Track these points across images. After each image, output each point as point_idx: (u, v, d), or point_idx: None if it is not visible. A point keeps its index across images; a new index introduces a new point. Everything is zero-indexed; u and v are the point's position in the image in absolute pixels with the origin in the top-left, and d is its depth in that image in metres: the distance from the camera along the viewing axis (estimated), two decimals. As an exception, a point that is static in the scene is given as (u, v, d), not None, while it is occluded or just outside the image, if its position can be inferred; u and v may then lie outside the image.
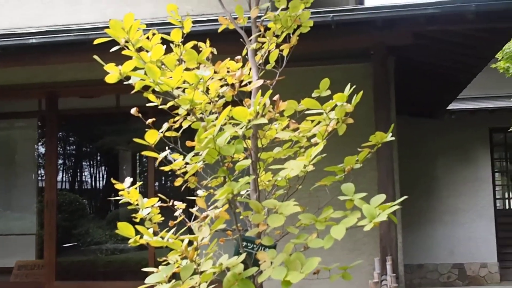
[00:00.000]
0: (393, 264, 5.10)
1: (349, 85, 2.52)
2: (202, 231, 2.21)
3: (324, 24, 4.25)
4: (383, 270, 5.04)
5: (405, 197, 2.54)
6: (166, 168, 2.58)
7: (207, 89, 2.54)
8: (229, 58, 2.60)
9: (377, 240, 5.69)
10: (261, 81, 2.56)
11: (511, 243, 10.85)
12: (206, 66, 2.49)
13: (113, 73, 2.22)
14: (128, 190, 2.59)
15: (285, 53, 2.91)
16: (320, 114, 2.51)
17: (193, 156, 2.32)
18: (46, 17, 7.47)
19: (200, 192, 2.75)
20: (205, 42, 2.79)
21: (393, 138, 2.70)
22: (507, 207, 11.61)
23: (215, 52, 2.81)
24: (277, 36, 2.87)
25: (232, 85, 2.62)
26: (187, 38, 2.74)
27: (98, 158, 12.60)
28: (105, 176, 12.62)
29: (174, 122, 2.52)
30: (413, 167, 10.88)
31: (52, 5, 7.72)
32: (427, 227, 10.97)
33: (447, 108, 9.77)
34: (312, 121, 2.67)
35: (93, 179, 12.89)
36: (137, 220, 2.58)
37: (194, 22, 4.70)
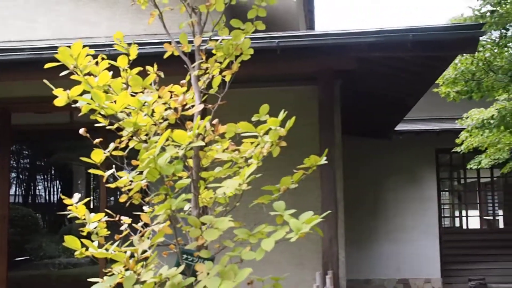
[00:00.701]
0: (334, 278, 5.35)
1: (282, 111, 2.74)
2: (142, 244, 2.38)
3: (270, 49, 4.49)
4: (324, 284, 5.28)
5: (328, 211, 2.76)
6: (112, 185, 2.74)
7: (153, 111, 2.74)
8: (172, 85, 2.79)
9: (320, 256, 5.92)
10: (202, 106, 2.76)
11: (454, 260, 11.27)
12: (150, 91, 2.68)
13: (61, 97, 2.39)
14: (76, 205, 2.75)
15: (227, 79, 3.11)
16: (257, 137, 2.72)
17: (136, 174, 2.50)
18: (1, 34, 7.55)
19: (145, 208, 2.93)
20: (155, 63, 2.99)
21: (325, 162, 2.92)
22: (452, 225, 12.05)
23: (162, 76, 3.01)
24: (221, 63, 3.08)
25: (176, 109, 2.81)
26: (138, 59, 2.93)
27: (53, 172, 12.58)
28: (59, 190, 12.60)
29: (120, 142, 2.69)
30: (362, 186, 11.26)
31: (7, 22, 7.80)
32: (374, 244, 11.32)
33: (395, 129, 10.16)
34: (252, 142, 2.87)
35: (47, 193, 12.85)
36: (85, 234, 2.75)
37: (145, 44, 4.90)
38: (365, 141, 11.08)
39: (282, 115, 2.71)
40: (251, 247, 2.62)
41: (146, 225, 2.82)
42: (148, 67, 3.02)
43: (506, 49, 6.45)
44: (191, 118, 2.95)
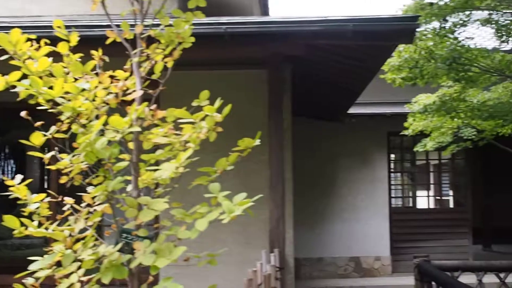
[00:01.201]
0: (280, 256, 5.55)
1: (219, 99, 2.87)
2: (77, 223, 2.50)
3: (218, 34, 4.61)
4: (269, 262, 5.48)
5: (260, 195, 2.90)
6: (53, 167, 2.84)
7: (95, 96, 2.84)
8: (111, 71, 2.88)
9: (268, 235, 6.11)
10: (141, 91, 2.87)
11: (402, 238, 11.67)
12: (90, 77, 2.77)
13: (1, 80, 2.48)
14: (18, 186, 2.84)
15: (169, 65, 3.22)
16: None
17: (75, 157, 2.61)
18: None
19: (89, 189, 3.04)
20: (100, 47, 3.08)
21: (259, 143, 3.06)
22: (402, 205, 12.44)
23: (107, 60, 3.11)
24: (164, 49, 3.19)
25: (117, 94, 2.91)
26: (84, 41, 3.01)
27: (6, 152, 12.46)
28: (13, 170, 12.48)
29: (61, 125, 2.78)
30: (316, 167, 11.53)
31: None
32: (327, 223, 11.61)
33: (348, 112, 10.41)
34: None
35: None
36: (26, 214, 2.84)
37: (92, 26, 4.94)
38: (320, 124, 11.31)
39: (218, 102, 2.84)
40: (186, 226, 2.75)
41: (89, 205, 2.94)
42: (92, 52, 3.12)
43: (446, 38, 6.70)
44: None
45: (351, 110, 10.55)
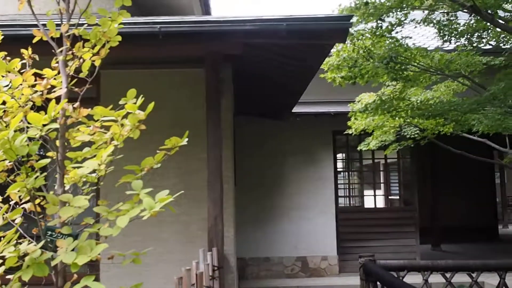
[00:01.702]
0: (218, 254, 5.61)
1: (141, 96, 2.91)
2: (-5, 220, 2.50)
3: (152, 34, 4.64)
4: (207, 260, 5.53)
5: (181, 191, 2.94)
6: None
7: (22, 94, 2.85)
8: (34, 70, 2.89)
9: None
10: (65, 89, 2.89)
11: (350, 238, 11.85)
12: (15, 75, 2.77)
13: None
14: None
15: (97, 63, 3.23)
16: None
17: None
18: None
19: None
20: (29, 45, 3.09)
21: (185, 143, 3.12)
22: (348, 204, 12.64)
23: (37, 58, 3.12)
24: (93, 48, 3.21)
25: (42, 92, 2.92)
26: (10, 40, 3.01)
27: None
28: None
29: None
30: (262, 166, 11.63)
31: None
32: (274, 223, 11.71)
33: (292, 111, 10.53)
34: (122, 125, 3.02)
35: None
36: None
37: (20, 26, 4.91)
38: (265, 122, 11.42)
39: (140, 100, 2.88)
40: (109, 223, 2.77)
41: (16, 204, 2.94)
42: (22, 50, 3.13)
43: (383, 38, 6.87)
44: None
45: (297, 109, 10.68)
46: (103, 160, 2.73)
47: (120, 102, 3.07)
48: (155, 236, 6.74)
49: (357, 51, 6.98)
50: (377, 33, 6.76)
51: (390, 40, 6.88)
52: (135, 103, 3.05)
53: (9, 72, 2.81)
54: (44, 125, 2.55)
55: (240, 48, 5.56)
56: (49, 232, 2.80)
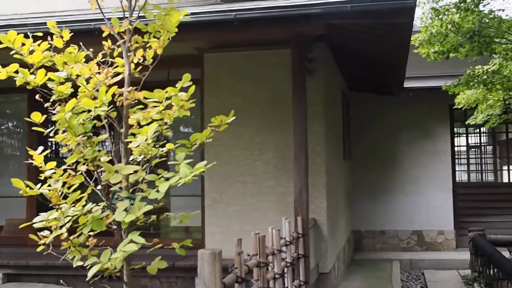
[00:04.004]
0: (302, 223, 6.00)
1: (184, 78, 3.35)
2: (56, 183, 3.09)
3: (229, 20, 5.10)
4: (296, 227, 5.96)
5: (214, 163, 3.37)
6: (55, 139, 3.44)
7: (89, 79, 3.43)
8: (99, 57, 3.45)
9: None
10: (128, 76, 3.41)
11: (468, 213, 11.66)
12: (81, 65, 3.34)
13: (3, 71, 3.11)
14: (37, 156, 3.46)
15: (159, 52, 3.73)
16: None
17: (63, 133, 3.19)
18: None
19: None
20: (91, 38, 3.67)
21: (233, 118, 3.52)
22: (467, 179, 12.34)
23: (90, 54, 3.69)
24: (158, 38, 3.71)
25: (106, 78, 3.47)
26: (77, 34, 3.61)
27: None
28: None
29: (54, 105, 3.36)
30: (377, 140, 11.77)
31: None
32: (389, 197, 11.83)
33: (404, 86, 10.53)
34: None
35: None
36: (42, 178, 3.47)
37: (85, 21, 5.53)
38: (379, 98, 11.50)
39: (181, 84, 3.33)
40: (157, 189, 3.25)
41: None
42: (104, 42, 3.71)
43: (469, 12, 6.73)
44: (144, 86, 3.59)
45: (409, 84, 10.67)
46: (149, 135, 3.22)
47: (177, 86, 3.52)
48: (254, 206, 7.25)
49: (445, 26, 6.93)
50: (461, 7, 6.67)
51: (478, 14, 6.74)
52: (189, 86, 3.49)
53: (76, 63, 3.38)
54: (96, 108, 3.09)
55: (322, 29, 5.84)
56: (115, 196, 3.38)
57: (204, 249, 3.19)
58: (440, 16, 6.93)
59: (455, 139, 12.14)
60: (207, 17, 5.16)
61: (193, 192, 7.62)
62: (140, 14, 3.65)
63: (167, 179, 3.26)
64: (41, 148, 3.49)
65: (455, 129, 12.08)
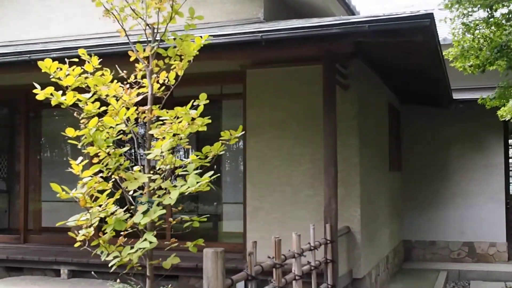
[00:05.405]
0: (331, 230, 6.34)
1: (202, 97, 3.81)
2: (80, 188, 3.61)
3: (255, 41, 5.55)
4: (325, 234, 6.31)
5: (217, 175, 3.80)
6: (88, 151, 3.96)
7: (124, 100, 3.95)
8: (118, 80, 3.96)
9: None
10: (151, 95, 3.91)
11: (520, 226, 11.60)
12: (107, 87, 3.87)
13: (41, 93, 3.67)
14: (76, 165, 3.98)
15: (180, 73, 4.21)
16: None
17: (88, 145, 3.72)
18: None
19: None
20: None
21: (242, 133, 3.95)
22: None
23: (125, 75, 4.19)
24: (180, 61, 4.20)
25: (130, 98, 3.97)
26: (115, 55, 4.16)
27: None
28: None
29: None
30: (426, 153, 11.89)
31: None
32: (440, 208, 11.89)
33: (454, 98, 10.63)
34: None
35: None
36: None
37: (112, 45, 6.09)
38: (430, 111, 11.64)
39: (189, 105, 3.79)
40: (169, 196, 3.71)
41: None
42: (136, 64, 4.23)
43: (501, 26, 6.85)
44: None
45: (458, 96, 10.76)
46: (163, 148, 3.69)
47: (195, 103, 3.97)
48: (292, 214, 7.63)
49: (477, 40, 7.09)
50: (489, 22, 6.82)
51: (505, 29, 6.87)
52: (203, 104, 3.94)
53: (105, 85, 3.91)
54: (117, 125, 3.60)
55: (350, 46, 6.19)
56: (139, 201, 3.88)
57: (208, 248, 3.62)
58: (471, 31, 7.11)
59: (511, 151, 12.05)
60: (236, 38, 5.63)
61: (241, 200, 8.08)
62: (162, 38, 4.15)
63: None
64: (80, 158, 4.05)
65: (510, 141, 12.00)
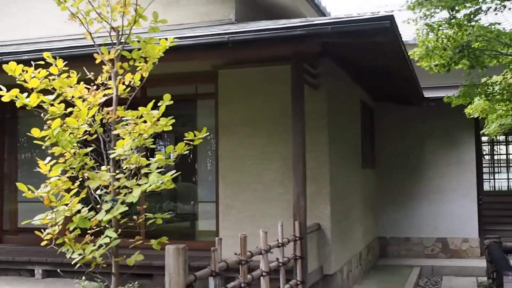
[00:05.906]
0: (299, 227, 6.48)
1: (166, 97, 3.92)
2: (45, 188, 3.70)
3: (223, 42, 5.67)
4: (294, 231, 6.45)
5: (178, 173, 3.90)
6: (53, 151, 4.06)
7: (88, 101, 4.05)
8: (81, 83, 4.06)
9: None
10: (115, 96, 4.01)
11: (493, 221, 11.84)
12: (73, 88, 3.96)
13: (6, 95, 3.76)
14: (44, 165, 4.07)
15: (145, 75, 4.31)
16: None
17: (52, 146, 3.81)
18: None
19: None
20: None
21: (206, 135, 4.06)
22: (492, 188, 12.47)
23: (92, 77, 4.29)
24: (145, 62, 4.31)
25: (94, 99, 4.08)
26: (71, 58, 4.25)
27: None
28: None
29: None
30: (399, 150, 12.09)
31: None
32: (414, 204, 12.11)
33: (425, 96, 10.83)
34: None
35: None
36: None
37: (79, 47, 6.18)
38: (402, 108, 11.84)
39: (150, 105, 3.90)
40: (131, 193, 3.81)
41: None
42: (104, 67, 4.32)
43: (463, 27, 7.03)
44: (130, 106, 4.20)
45: (430, 94, 10.95)
46: (125, 148, 3.79)
47: (159, 104, 4.09)
48: (264, 212, 7.76)
49: (441, 41, 7.27)
50: (451, 23, 7.01)
51: (466, 29, 7.05)
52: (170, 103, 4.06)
53: (70, 86, 4.01)
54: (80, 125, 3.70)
55: (317, 46, 6.31)
56: (104, 199, 3.98)
57: (170, 245, 3.74)
58: (434, 32, 7.28)
59: (484, 147, 12.27)
60: (204, 39, 5.76)
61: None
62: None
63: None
64: (48, 158, 4.13)
65: (483, 138, 12.22)
